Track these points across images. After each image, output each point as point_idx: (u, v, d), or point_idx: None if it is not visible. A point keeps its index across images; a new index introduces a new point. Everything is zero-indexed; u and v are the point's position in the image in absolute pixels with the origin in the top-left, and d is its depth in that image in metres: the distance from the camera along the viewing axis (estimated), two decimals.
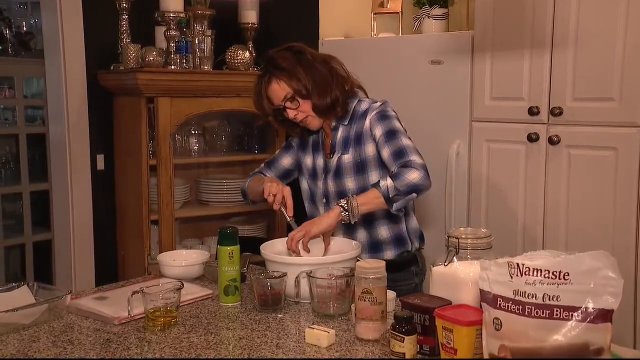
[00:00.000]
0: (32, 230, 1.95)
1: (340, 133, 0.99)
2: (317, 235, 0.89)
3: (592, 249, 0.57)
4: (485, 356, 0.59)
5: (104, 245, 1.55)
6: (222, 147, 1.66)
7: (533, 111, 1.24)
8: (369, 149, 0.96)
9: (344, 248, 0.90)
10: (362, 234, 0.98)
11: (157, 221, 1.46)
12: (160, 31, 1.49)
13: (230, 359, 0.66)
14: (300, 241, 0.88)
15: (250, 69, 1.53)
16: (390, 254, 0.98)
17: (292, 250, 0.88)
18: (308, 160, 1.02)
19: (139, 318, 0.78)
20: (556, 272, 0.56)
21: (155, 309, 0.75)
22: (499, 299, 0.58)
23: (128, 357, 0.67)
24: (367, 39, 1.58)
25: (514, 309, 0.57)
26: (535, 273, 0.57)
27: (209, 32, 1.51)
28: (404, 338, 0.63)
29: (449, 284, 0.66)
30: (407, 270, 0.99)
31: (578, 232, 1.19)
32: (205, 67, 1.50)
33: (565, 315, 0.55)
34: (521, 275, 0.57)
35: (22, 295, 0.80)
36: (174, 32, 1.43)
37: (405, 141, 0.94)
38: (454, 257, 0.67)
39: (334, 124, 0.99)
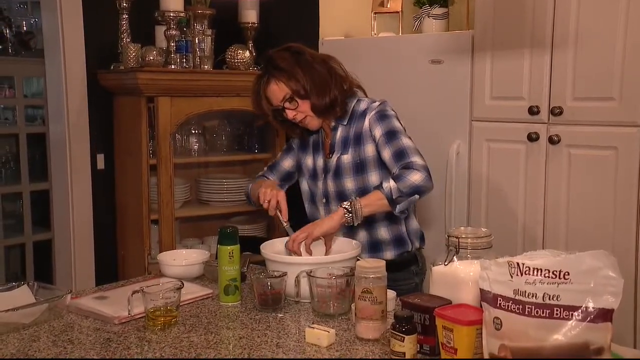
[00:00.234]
0: (32, 229, 1.95)
1: (339, 133, 0.99)
2: (319, 237, 0.89)
3: (593, 248, 0.57)
4: (486, 356, 0.59)
5: (104, 245, 1.55)
6: (222, 146, 1.66)
7: (533, 111, 1.24)
8: (369, 149, 0.96)
9: (344, 248, 0.91)
10: (362, 234, 0.98)
11: (157, 221, 1.46)
12: (160, 31, 1.49)
13: (231, 359, 0.66)
14: (302, 243, 0.88)
15: (251, 68, 1.53)
16: (390, 254, 0.99)
17: (294, 252, 0.88)
18: (309, 161, 1.03)
19: (139, 317, 0.78)
20: (556, 271, 0.56)
21: (155, 309, 0.75)
22: (499, 298, 0.58)
23: (128, 357, 0.67)
24: (367, 39, 1.58)
25: (514, 308, 0.57)
26: (535, 272, 0.57)
27: (209, 32, 1.51)
28: (404, 337, 0.63)
29: (449, 284, 0.66)
30: (407, 270, 0.99)
31: (578, 231, 1.19)
32: (206, 67, 1.50)
33: (566, 315, 0.55)
34: (521, 274, 0.58)
35: (22, 294, 0.80)
36: (174, 32, 1.43)
37: (406, 142, 0.94)
38: (454, 257, 0.67)
39: (333, 123, 0.99)
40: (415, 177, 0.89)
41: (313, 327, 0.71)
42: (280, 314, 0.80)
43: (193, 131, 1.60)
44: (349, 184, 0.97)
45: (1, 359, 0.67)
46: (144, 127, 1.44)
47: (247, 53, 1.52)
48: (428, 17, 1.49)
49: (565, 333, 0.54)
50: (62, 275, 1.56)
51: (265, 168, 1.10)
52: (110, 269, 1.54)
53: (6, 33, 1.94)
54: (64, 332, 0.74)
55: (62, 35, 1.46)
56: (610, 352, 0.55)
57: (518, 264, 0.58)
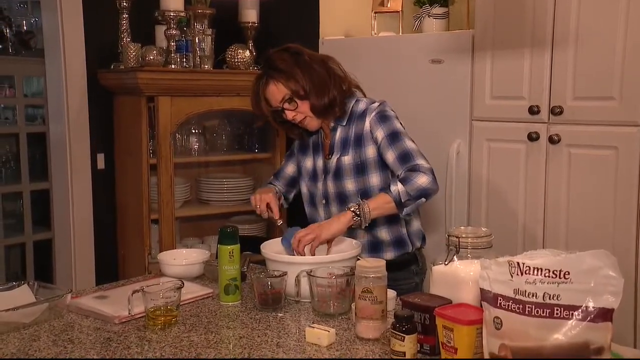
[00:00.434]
0: (32, 229, 1.95)
1: (338, 134, 0.99)
2: (327, 240, 0.89)
3: (593, 248, 0.57)
4: (486, 355, 0.59)
5: (105, 244, 1.55)
6: (223, 146, 1.66)
7: (533, 110, 1.24)
8: (370, 151, 0.96)
9: (344, 247, 0.91)
10: (362, 235, 0.98)
11: (157, 220, 1.46)
12: (160, 30, 1.49)
13: (231, 359, 0.66)
14: (309, 246, 0.87)
15: (251, 68, 1.53)
16: (390, 255, 0.99)
17: (298, 253, 0.88)
18: (308, 163, 1.02)
19: (140, 317, 0.78)
20: (556, 271, 0.56)
21: (155, 308, 0.75)
22: (499, 298, 0.58)
23: (128, 356, 0.67)
24: (368, 38, 1.57)
25: (514, 308, 0.57)
26: (535, 272, 0.57)
27: (209, 31, 1.51)
28: (404, 337, 0.63)
29: (449, 283, 0.66)
30: (407, 270, 0.99)
31: (578, 231, 1.19)
32: (206, 66, 1.50)
33: (566, 315, 0.55)
34: (521, 274, 0.57)
35: (23, 294, 0.80)
36: (174, 31, 1.43)
37: (409, 144, 0.94)
38: (455, 256, 0.67)
39: (332, 124, 0.99)
40: (423, 180, 0.89)
41: (313, 327, 0.71)
42: (281, 313, 0.80)
43: (193, 131, 1.60)
44: (350, 185, 0.97)
45: (1, 359, 0.67)
46: (144, 127, 1.44)
47: (247, 53, 1.52)
48: (428, 16, 1.49)
49: (566, 333, 0.54)
50: (62, 275, 1.56)
51: (272, 176, 1.11)
52: (110, 269, 1.55)
53: (6, 32, 1.94)
54: (64, 331, 0.74)
55: (62, 35, 1.46)
56: (611, 352, 0.55)
57: (518, 263, 0.58)
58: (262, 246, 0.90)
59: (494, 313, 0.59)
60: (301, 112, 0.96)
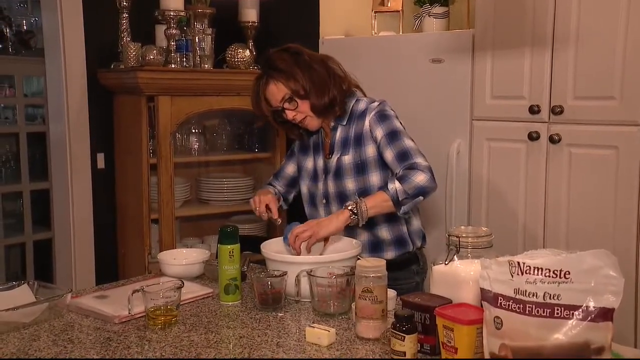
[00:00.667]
0: (32, 229, 1.95)
1: (338, 133, 0.99)
2: (324, 238, 0.89)
3: (593, 247, 0.57)
4: (486, 355, 0.59)
5: (105, 244, 1.55)
6: (223, 145, 1.66)
7: (534, 110, 1.23)
8: (370, 150, 0.96)
9: (344, 247, 0.91)
10: (363, 234, 0.98)
11: (157, 220, 1.46)
12: (160, 30, 1.49)
13: (231, 359, 0.66)
14: (305, 242, 0.87)
15: (251, 67, 1.52)
16: (391, 254, 0.99)
17: (294, 249, 0.88)
18: (309, 163, 1.02)
19: (140, 317, 0.77)
20: (557, 270, 0.56)
21: (155, 308, 0.75)
22: (499, 297, 0.58)
23: (128, 356, 0.67)
24: (368, 38, 1.57)
25: (514, 307, 0.57)
26: (536, 272, 0.57)
27: (209, 31, 1.51)
28: (404, 337, 0.63)
29: (449, 283, 0.66)
30: (407, 269, 0.99)
31: (579, 230, 1.19)
32: (206, 66, 1.50)
33: (566, 314, 0.55)
34: (522, 274, 0.57)
35: (23, 294, 0.80)
36: (174, 31, 1.43)
37: (408, 142, 0.94)
38: (455, 256, 0.67)
39: (332, 124, 0.99)
40: (420, 178, 0.89)
41: (313, 327, 0.71)
42: (281, 313, 0.80)
43: (193, 130, 1.60)
44: (350, 184, 0.97)
45: (1, 359, 0.67)
46: (144, 127, 1.44)
47: (247, 52, 1.52)
48: (428, 16, 1.49)
49: (566, 332, 0.54)
50: (62, 275, 1.56)
51: (272, 176, 1.11)
52: (110, 268, 1.54)
53: (6, 32, 1.94)
54: (64, 331, 0.74)
55: (62, 35, 1.46)
56: (611, 352, 0.55)
57: (519, 263, 0.58)
58: (262, 246, 0.90)
59: (495, 313, 0.58)
60: (301, 112, 0.96)
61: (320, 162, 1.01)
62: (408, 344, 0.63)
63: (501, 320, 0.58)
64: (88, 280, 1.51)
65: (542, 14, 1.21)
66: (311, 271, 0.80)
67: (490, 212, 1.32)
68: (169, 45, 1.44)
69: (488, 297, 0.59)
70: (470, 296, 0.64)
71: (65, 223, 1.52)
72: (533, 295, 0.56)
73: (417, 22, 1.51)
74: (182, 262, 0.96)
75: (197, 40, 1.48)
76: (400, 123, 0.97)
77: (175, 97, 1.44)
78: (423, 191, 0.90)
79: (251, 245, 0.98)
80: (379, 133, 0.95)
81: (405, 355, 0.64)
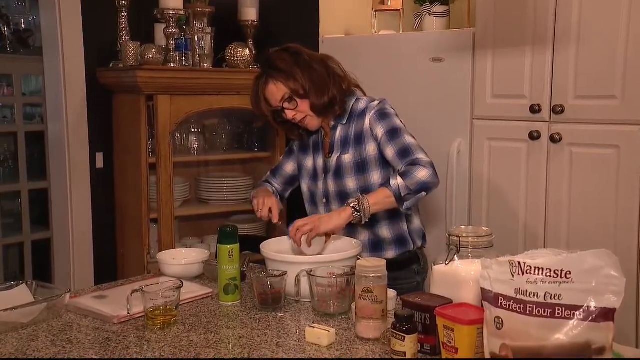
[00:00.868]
0: (30, 228, 1.94)
1: (338, 132, 0.99)
2: (324, 233, 0.89)
3: (594, 247, 0.56)
4: (487, 355, 0.59)
5: (103, 244, 1.54)
6: (222, 145, 1.66)
7: (535, 109, 1.23)
8: (370, 149, 0.96)
9: (344, 247, 0.90)
10: (364, 233, 0.98)
11: (156, 220, 1.45)
12: (159, 29, 1.48)
13: (230, 359, 0.66)
14: (305, 235, 0.87)
15: (250, 66, 1.52)
16: (391, 253, 0.98)
17: (295, 241, 0.88)
18: (309, 162, 1.02)
19: (139, 317, 0.77)
20: (558, 270, 0.56)
21: (154, 308, 0.75)
22: (500, 297, 0.58)
23: (127, 356, 0.67)
24: (368, 37, 1.57)
25: (515, 307, 0.57)
26: (536, 272, 0.57)
27: (208, 30, 1.50)
28: (404, 337, 0.63)
29: (450, 283, 0.66)
30: (408, 269, 0.99)
31: (580, 230, 1.19)
32: (205, 65, 1.49)
33: (567, 314, 0.55)
34: (523, 273, 0.57)
35: (21, 294, 0.79)
36: (173, 30, 1.42)
37: (409, 139, 0.94)
38: (455, 256, 0.67)
39: (332, 123, 0.99)
40: (422, 174, 0.89)
41: (313, 327, 0.71)
42: (280, 313, 0.80)
43: (193, 130, 1.60)
44: (351, 183, 0.97)
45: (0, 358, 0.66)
46: (143, 126, 1.43)
47: (247, 51, 1.51)
48: (429, 14, 1.48)
49: (567, 332, 0.54)
50: (61, 275, 1.56)
51: (269, 173, 1.10)
52: (109, 268, 1.54)
53: (4, 31, 1.93)
54: (63, 331, 0.74)
55: (61, 33, 1.45)
56: (612, 352, 0.55)
57: (519, 263, 0.58)
58: (261, 245, 0.89)
59: (495, 313, 0.58)
60: (301, 112, 0.96)
61: (320, 161, 1.01)
62: (408, 344, 0.63)
63: (502, 321, 0.58)
64: (87, 280, 1.50)
65: (543, 13, 1.20)
66: (311, 271, 0.79)
67: (491, 212, 1.32)
68: (168, 44, 1.43)
69: (489, 297, 0.59)
70: (471, 296, 0.64)
71: (63, 223, 1.52)
72: (534, 295, 0.56)
73: (417, 20, 1.51)
74: (182, 262, 0.96)
75: (196, 39, 1.48)
76: (401, 121, 0.97)
77: (175, 96, 1.44)
78: (425, 186, 0.89)
79: (251, 245, 0.97)
80: (380, 131, 0.95)
81: (405, 356, 0.63)
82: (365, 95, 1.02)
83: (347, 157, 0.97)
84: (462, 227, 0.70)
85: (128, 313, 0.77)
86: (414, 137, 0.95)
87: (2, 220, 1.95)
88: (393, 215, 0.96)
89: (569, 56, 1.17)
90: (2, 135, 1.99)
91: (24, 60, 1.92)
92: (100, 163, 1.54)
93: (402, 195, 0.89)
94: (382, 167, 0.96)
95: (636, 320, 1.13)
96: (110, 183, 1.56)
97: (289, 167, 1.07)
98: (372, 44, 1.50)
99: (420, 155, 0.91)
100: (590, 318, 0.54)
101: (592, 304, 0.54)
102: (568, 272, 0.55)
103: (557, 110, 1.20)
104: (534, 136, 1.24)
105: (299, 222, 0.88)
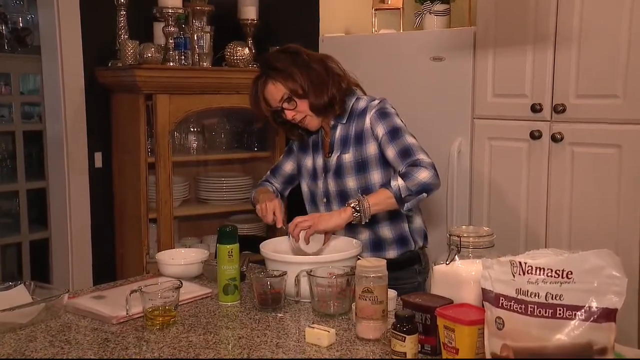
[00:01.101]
0: (29, 228, 1.94)
1: (338, 132, 0.99)
2: (323, 231, 0.89)
3: (596, 247, 0.56)
4: (488, 356, 0.59)
5: (102, 244, 1.54)
6: (222, 144, 1.65)
7: (536, 108, 1.23)
8: (371, 149, 0.96)
9: (344, 247, 0.90)
10: (365, 233, 0.97)
11: (155, 219, 1.45)
12: (158, 27, 1.48)
13: (230, 359, 0.66)
14: (304, 232, 0.87)
15: (250, 65, 1.51)
16: (393, 253, 0.98)
17: (293, 236, 0.88)
18: (308, 162, 1.02)
19: (138, 317, 0.77)
20: (559, 270, 0.56)
21: (153, 308, 0.75)
22: (501, 298, 0.58)
23: (126, 357, 0.67)
24: (368, 36, 1.56)
25: (516, 308, 0.57)
26: (538, 272, 0.56)
27: (208, 29, 1.50)
28: (405, 337, 0.63)
29: (450, 283, 0.66)
30: (410, 269, 0.99)
31: (581, 230, 1.18)
32: (204, 64, 1.49)
33: (569, 315, 0.54)
34: (524, 274, 0.57)
35: (19, 294, 0.79)
36: (172, 29, 1.42)
37: (410, 139, 0.94)
38: (456, 256, 0.66)
39: (332, 122, 0.99)
40: (424, 175, 0.89)
41: (313, 327, 0.70)
42: (280, 313, 0.80)
43: (192, 129, 1.59)
44: (351, 183, 0.97)
45: None
46: (142, 125, 1.43)
47: (247, 50, 1.51)
48: (429, 13, 1.48)
49: (568, 333, 0.54)
50: (59, 275, 1.55)
51: (268, 172, 1.10)
52: (108, 268, 1.54)
53: (2, 29, 1.92)
54: (61, 332, 0.74)
55: (59, 32, 1.45)
56: (614, 353, 0.55)
57: (520, 263, 0.57)
58: (261, 245, 0.89)
59: (496, 313, 0.58)
60: (301, 112, 0.95)
61: (320, 161, 1.01)
62: (409, 345, 0.63)
63: (503, 321, 0.57)
64: (85, 280, 1.50)
65: (544, 11, 1.20)
66: (311, 271, 0.79)
67: (492, 212, 1.32)
68: (167, 43, 1.43)
69: (489, 297, 0.59)
70: (472, 296, 0.64)
71: (62, 223, 1.52)
72: (535, 296, 0.56)
73: (417, 19, 1.50)
74: (181, 262, 0.95)
75: (195, 38, 1.47)
76: (401, 120, 0.97)
77: (174, 95, 1.43)
78: (426, 188, 0.89)
79: (250, 245, 0.97)
80: (380, 131, 0.95)
81: (405, 356, 0.63)
82: (365, 94, 1.02)
83: (348, 157, 0.97)
84: (463, 226, 0.70)
85: (127, 313, 0.76)
86: (414, 137, 0.95)
87: (0, 220, 1.96)
88: (394, 215, 0.96)
89: (570, 55, 1.17)
90: (0, 134, 1.99)
91: (22, 59, 1.92)
92: (98, 162, 1.53)
93: (403, 196, 0.88)
94: (382, 167, 0.96)
95: (638, 320, 1.12)
96: (109, 183, 1.55)
97: (289, 167, 1.06)
98: (372, 43, 1.49)
99: (422, 156, 0.91)
100: (592, 318, 0.54)
101: (594, 304, 0.54)
102: (569, 272, 0.55)
103: (558, 109, 1.20)
104: (535, 135, 1.23)
105: (298, 218, 0.89)
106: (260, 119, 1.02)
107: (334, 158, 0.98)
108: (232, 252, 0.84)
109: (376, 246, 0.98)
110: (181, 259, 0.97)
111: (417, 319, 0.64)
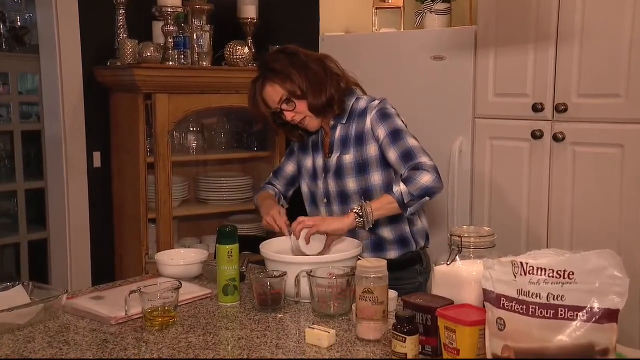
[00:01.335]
0: (27, 228, 1.93)
1: (338, 132, 0.98)
2: (324, 233, 0.89)
3: (597, 247, 0.56)
4: (489, 356, 0.59)
5: (101, 244, 1.54)
6: (221, 144, 1.65)
7: (537, 107, 1.22)
8: (371, 149, 0.95)
9: (344, 247, 0.90)
10: (365, 233, 0.97)
11: (154, 220, 1.45)
12: (157, 26, 1.48)
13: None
14: (305, 230, 0.87)
15: (250, 65, 1.51)
16: (393, 253, 0.98)
17: (294, 232, 0.88)
18: (308, 162, 1.02)
19: (137, 318, 0.77)
20: (561, 271, 0.55)
21: (152, 309, 0.74)
22: (502, 298, 0.58)
23: (125, 358, 0.66)
24: (368, 34, 1.55)
25: (517, 308, 0.57)
26: (539, 272, 0.56)
27: (207, 27, 1.49)
28: (405, 338, 0.63)
29: (451, 283, 0.66)
30: (411, 269, 0.99)
31: (583, 230, 1.18)
32: (204, 63, 1.48)
33: (570, 315, 0.54)
34: (525, 274, 0.57)
35: (17, 294, 0.79)
36: (171, 27, 1.41)
37: (411, 141, 0.93)
38: (457, 256, 0.66)
39: (332, 122, 0.98)
40: (426, 179, 0.89)
41: (313, 328, 0.70)
42: (280, 314, 0.79)
43: (191, 128, 1.59)
44: (351, 184, 0.97)
45: None
46: (141, 125, 1.42)
47: (246, 49, 1.50)
48: (430, 12, 1.47)
49: (570, 334, 0.54)
50: (57, 275, 1.55)
51: (271, 174, 1.10)
52: (106, 269, 1.53)
53: (0, 28, 1.91)
54: (60, 332, 0.74)
55: (58, 31, 1.44)
56: (615, 353, 0.54)
57: (521, 263, 0.57)
58: (261, 246, 0.89)
59: (497, 314, 0.58)
60: (300, 112, 0.95)
61: (320, 161, 1.01)
62: (409, 345, 0.63)
63: (504, 321, 0.57)
64: (84, 280, 1.50)
65: (545, 10, 1.19)
66: (311, 271, 0.79)
67: (493, 212, 1.31)
68: (166, 42, 1.42)
69: (490, 297, 0.59)
70: (473, 297, 0.64)
71: (60, 223, 1.51)
72: (536, 296, 0.56)
73: (418, 18, 1.50)
74: (180, 262, 0.95)
75: (195, 37, 1.47)
76: (402, 121, 0.97)
77: (173, 94, 1.43)
78: (429, 192, 0.89)
79: (250, 245, 0.97)
80: (381, 132, 0.94)
81: (406, 357, 0.63)
82: (364, 93, 1.01)
83: (348, 158, 0.96)
84: (464, 226, 0.70)
85: (126, 314, 0.76)
86: (416, 139, 0.94)
87: None
88: (395, 216, 0.95)
89: (572, 54, 1.16)
90: None
91: (20, 58, 1.91)
92: (97, 162, 1.53)
93: (406, 201, 0.88)
94: (382, 168, 0.96)
95: None
96: (108, 182, 1.55)
97: (290, 168, 1.06)
98: (372, 42, 1.49)
99: (423, 159, 0.91)
100: (594, 319, 0.53)
101: (595, 305, 0.53)
102: (571, 273, 0.55)
103: (560, 108, 1.19)
104: (536, 135, 1.23)
105: (302, 217, 0.89)
106: (260, 121, 1.01)
107: (334, 158, 0.98)
108: (231, 252, 0.84)
109: (377, 246, 0.98)
110: (180, 259, 0.96)
111: (418, 319, 0.64)
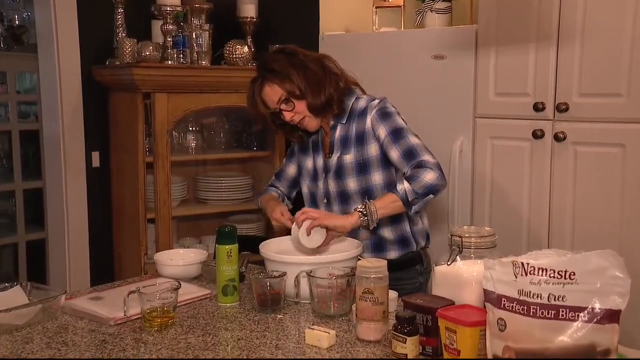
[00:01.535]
0: (25, 229, 1.93)
1: (338, 132, 0.98)
2: (325, 227, 0.88)
3: (599, 247, 0.56)
4: (489, 357, 0.59)
5: (100, 245, 1.54)
6: (221, 144, 1.65)
7: (538, 107, 1.22)
8: (372, 149, 0.95)
9: (344, 247, 0.90)
10: (366, 233, 0.97)
11: (154, 220, 1.45)
12: (156, 25, 1.48)
13: None
14: (308, 222, 0.86)
15: (249, 64, 1.51)
16: (394, 253, 0.98)
17: (296, 221, 0.87)
18: (309, 163, 1.02)
19: (136, 318, 0.77)
20: (562, 271, 0.55)
21: (152, 309, 0.74)
22: (503, 299, 0.58)
23: (124, 359, 0.66)
24: (369, 34, 1.55)
25: (518, 309, 0.56)
26: (540, 272, 0.56)
27: (206, 27, 1.49)
28: (406, 339, 0.63)
29: (452, 284, 0.66)
30: (411, 269, 0.98)
31: (584, 230, 1.17)
32: (203, 62, 1.48)
33: (571, 316, 0.54)
34: (526, 274, 0.57)
35: (15, 295, 0.79)
36: (170, 27, 1.41)
37: (413, 140, 0.93)
38: (457, 256, 0.66)
39: (332, 122, 0.98)
40: (430, 177, 0.88)
41: (313, 328, 0.70)
42: (280, 314, 0.79)
43: (190, 128, 1.59)
44: (352, 184, 0.96)
45: None
46: (140, 124, 1.42)
47: (246, 48, 1.50)
48: (431, 11, 1.47)
49: (571, 334, 0.54)
50: (56, 276, 1.55)
51: (273, 177, 1.10)
52: (105, 269, 1.53)
53: None
54: (58, 333, 0.73)
55: (56, 30, 1.44)
56: (617, 354, 0.54)
57: (522, 263, 0.57)
58: (260, 246, 0.89)
59: (498, 314, 0.58)
60: (299, 113, 0.95)
61: (320, 161, 1.00)
62: (410, 346, 0.63)
63: (505, 322, 0.57)
64: (83, 281, 1.50)
65: (547, 9, 1.19)
66: (311, 272, 0.79)
67: (494, 212, 1.31)
68: (165, 41, 1.42)
69: (491, 298, 0.59)
70: (473, 297, 0.64)
71: (59, 223, 1.51)
72: (537, 297, 0.56)
73: (419, 17, 1.49)
74: (179, 262, 0.95)
75: (194, 36, 1.46)
76: (403, 119, 0.96)
77: (172, 94, 1.43)
78: (433, 189, 0.89)
79: (250, 245, 0.97)
80: (382, 132, 0.94)
81: (406, 357, 0.63)
82: (364, 93, 1.01)
83: (349, 158, 0.96)
84: (465, 227, 0.70)
85: (125, 315, 0.76)
86: (418, 137, 0.94)
87: None
88: (395, 216, 0.95)
89: (573, 53, 1.16)
90: None
91: (18, 57, 1.90)
92: (96, 162, 1.53)
93: (410, 199, 0.88)
94: (383, 168, 0.95)
95: None
96: (107, 182, 1.54)
97: (292, 170, 1.06)
98: (372, 41, 1.48)
99: (426, 157, 0.90)
100: (595, 320, 0.53)
101: (597, 306, 0.53)
102: (572, 273, 0.55)
103: (561, 108, 1.19)
104: (537, 135, 1.22)
105: (307, 209, 0.89)
106: (259, 122, 1.01)
107: (334, 158, 0.98)
108: (231, 252, 0.83)
109: (377, 247, 0.98)
110: (180, 259, 0.96)
111: (418, 320, 0.64)
